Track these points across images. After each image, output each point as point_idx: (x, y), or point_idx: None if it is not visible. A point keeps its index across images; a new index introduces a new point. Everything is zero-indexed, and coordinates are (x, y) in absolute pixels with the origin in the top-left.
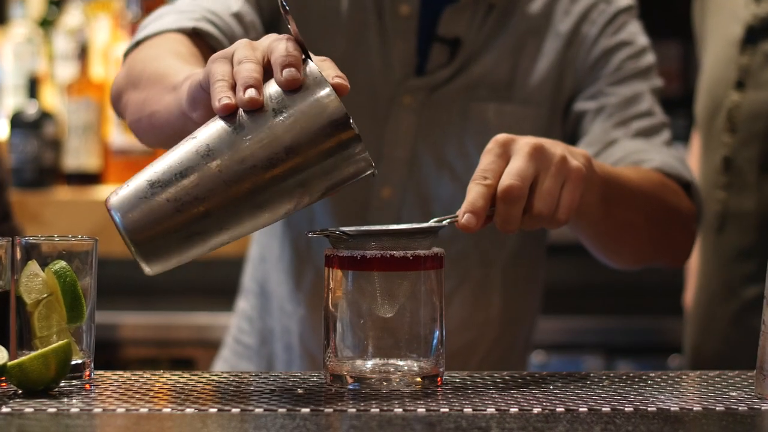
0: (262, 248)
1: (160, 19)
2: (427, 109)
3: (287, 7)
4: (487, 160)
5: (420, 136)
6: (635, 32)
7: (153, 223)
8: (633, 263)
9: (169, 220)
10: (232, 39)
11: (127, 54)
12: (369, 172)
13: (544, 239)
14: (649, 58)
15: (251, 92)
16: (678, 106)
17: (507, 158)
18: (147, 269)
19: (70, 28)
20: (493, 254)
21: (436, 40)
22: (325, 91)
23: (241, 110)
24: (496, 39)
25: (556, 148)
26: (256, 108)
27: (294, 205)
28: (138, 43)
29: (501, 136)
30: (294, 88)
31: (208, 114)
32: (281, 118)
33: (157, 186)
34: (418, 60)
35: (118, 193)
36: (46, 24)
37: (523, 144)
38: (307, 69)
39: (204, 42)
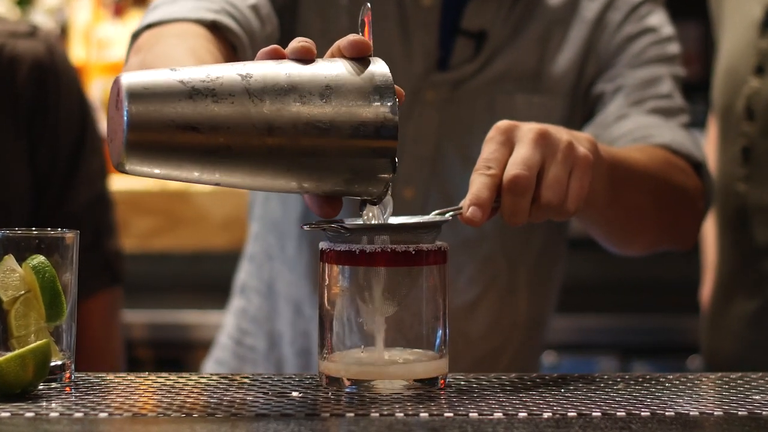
0: (267, 246)
1: (175, 1)
2: (451, 104)
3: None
4: (489, 148)
5: (443, 133)
6: (661, 21)
7: (158, 97)
8: (641, 249)
9: (175, 101)
10: (249, 33)
11: (136, 35)
12: (385, 176)
13: (566, 233)
14: (674, 48)
15: (306, 42)
16: (697, 91)
17: (511, 146)
18: (122, 158)
19: (49, 6)
20: (520, 255)
21: (461, 34)
22: (383, 70)
23: (293, 63)
24: (522, 30)
25: (561, 133)
26: (307, 56)
27: (300, 165)
28: (150, 26)
29: (503, 123)
30: (358, 54)
31: None
32: (329, 69)
33: (177, 71)
34: (441, 53)
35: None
36: (24, 2)
37: (527, 130)
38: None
39: (222, 36)
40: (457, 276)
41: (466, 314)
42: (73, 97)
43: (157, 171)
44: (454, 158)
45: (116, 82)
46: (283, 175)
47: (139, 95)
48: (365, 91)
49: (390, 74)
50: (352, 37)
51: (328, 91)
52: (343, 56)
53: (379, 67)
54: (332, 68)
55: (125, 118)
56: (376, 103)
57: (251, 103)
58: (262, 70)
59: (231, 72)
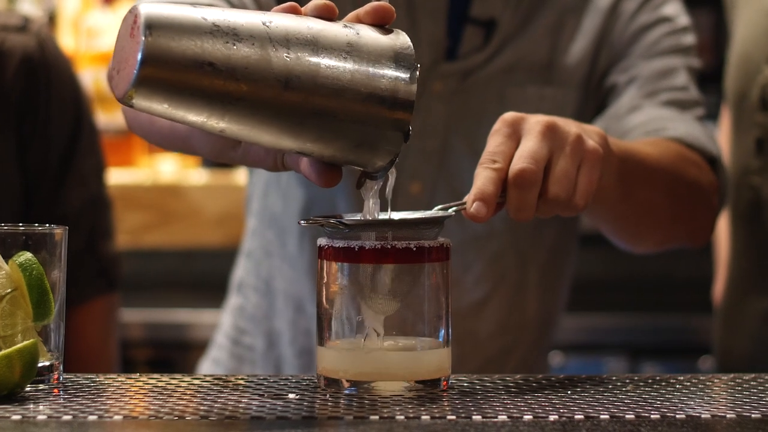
0: (266, 242)
1: None
2: (460, 96)
3: None
4: (495, 141)
5: (452, 126)
6: (676, 10)
7: (178, 30)
8: (653, 246)
9: (195, 36)
10: None
11: None
12: (393, 149)
13: (577, 228)
14: (689, 38)
15: (328, 0)
16: (709, 81)
17: (517, 139)
18: (130, 92)
19: None
20: (531, 251)
21: (469, 22)
22: (405, 40)
23: (314, 18)
24: (533, 19)
25: (569, 126)
26: (329, 14)
27: (310, 123)
28: None
29: (509, 115)
30: (380, 21)
31: None
32: (350, 29)
33: (198, 8)
34: (449, 43)
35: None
36: None
37: (534, 123)
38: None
39: None
40: (465, 274)
41: (474, 313)
42: (65, 94)
43: (162, 108)
44: (463, 152)
45: (133, 10)
46: (291, 131)
47: (158, 26)
48: (386, 56)
49: (412, 45)
50: (375, 3)
51: (348, 48)
52: (362, 23)
53: (401, 37)
54: (353, 29)
55: (141, 48)
56: (396, 72)
57: (272, 49)
58: (284, 19)
59: (253, 17)
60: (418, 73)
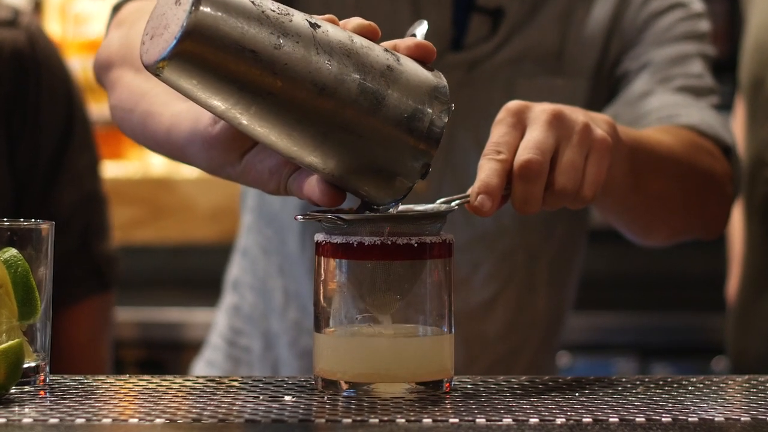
0: (263, 240)
1: None
2: (466, 88)
3: None
4: (499, 131)
5: (457, 119)
6: None
7: (227, 8)
8: (665, 238)
9: (242, 18)
10: None
11: (118, 7)
12: (408, 183)
13: (587, 223)
14: (704, 25)
15: (373, 23)
16: (723, 71)
17: (522, 128)
18: (163, 62)
19: None
20: (541, 248)
21: (476, 11)
22: (444, 82)
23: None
24: (542, 6)
25: (576, 114)
26: (372, 36)
27: (334, 137)
28: None
29: (513, 104)
30: (421, 58)
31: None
32: (392, 54)
33: None
34: (455, 32)
35: None
36: None
37: (540, 111)
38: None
39: None
40: (473, 273)
41: (482, 314)
42: (57, 90)
43: (188, 86)
44: (469, 146)
45: None
46: (313, 140)
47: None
48: (423, 89)
49: (448, 87)
50: (418, 39)
51: (388, 72)
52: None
53: (441, 77)
54: (395, 55)
55: (186, 18)
56: (431, 106)
57: (315, 53)
58: (330, 27)
59: (301, 17)
60: (450, 112)
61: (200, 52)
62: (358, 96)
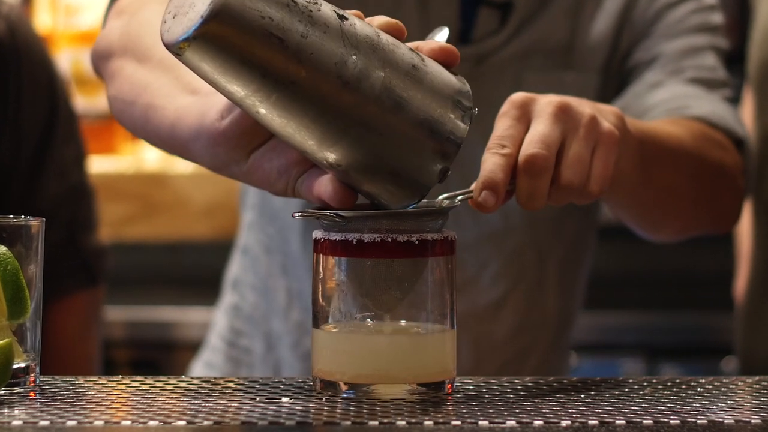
0: (265, 238)
1: None
2: (473, 81)
3: None
4: (503, 124)
5: None
6: None
7: None
8: (675, 233)
9: (272, 3)
10: None
11: None
12: (424, 187)
13: (598, 220)
14: (716, 17)
15: (400, 22)
16: (732, 63)
17: (527, 121)
18: (185, 44)
19: None
20: (550, 246)
21: (484, 3)
22: (468, 89)
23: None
24: (552, 0)
25: (583, 107)
26: (399, 35)
27: (354, 134)
28: None
29: (518, 96)
30: (445, 61)
31: (242, 117)
32: (417, 55)
33: None
34: (462, 26)
35: None
36: None
37: (545, 104)
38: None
39: None
40: (481, 272)
41: (491, 314)
42: (38, 81)
43: (208, 69)
44: (476, 140)
45: None
46: (332, 135)
47: None
48: (447, 92)
49: (471, 96)
50: (442, 43)
51: (413, 71)
52: None
53: (465, 83)
54: (419, 56)
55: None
56: (453, 109)
57: (342, 45)
58: (358, 21)
59: (330, 8)
60: (473, 117)
61: (225, 35)
62: (381, 93)
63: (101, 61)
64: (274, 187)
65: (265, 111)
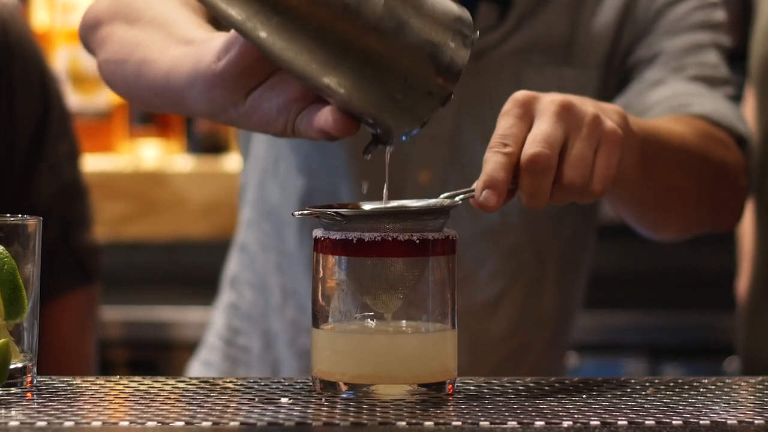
0: (262, 235)
1: None
2: (472, 78)
3: None
4: (505, 123)
5: (463, 110)
6: None
7: None
8: (678, 232)
9: None
10: None
11: None
12: (424, 114)
13: (597, 218)
14: (719, 14)
15: None
16: (734, 61)
17: (529, 120)
18: None
19: None
20: (549, 244)
21: None
22: (469, 16)
23: None
24: None
25: (586, 105)
26: None
27: (353, 60)
28: None
29: (520, 94)
30: None
31: (239, 57)
32: None
33: None
34: None
35: None
36: None
37: (548, 102)
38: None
39: None
40: (478, 270)
41: (488, 312)
42: (31, 79)
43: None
44: (476, 138)
45: None
46: (331, 62)
47: None
48: (448, 18)
49: (472, 22)
50: None
51: None
52: None
53: (465, 10)
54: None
55: None
56: (454, 34)
57: None
58: None
59: None
60: (474, 43)
61: None
62: (381, 16)
63: (90, 31)
64: (274, 126)
65: (266, 35)
